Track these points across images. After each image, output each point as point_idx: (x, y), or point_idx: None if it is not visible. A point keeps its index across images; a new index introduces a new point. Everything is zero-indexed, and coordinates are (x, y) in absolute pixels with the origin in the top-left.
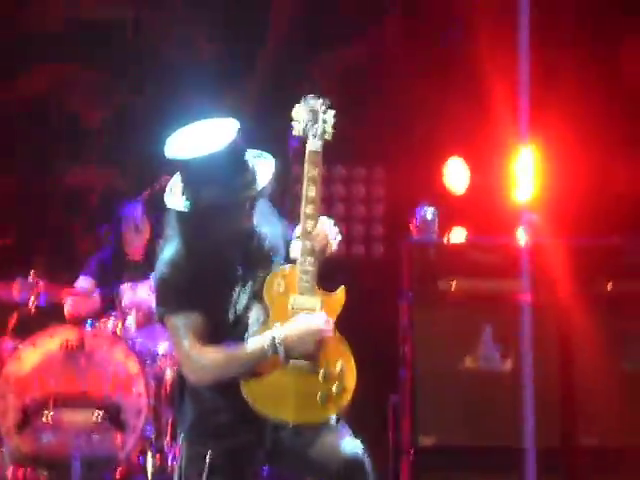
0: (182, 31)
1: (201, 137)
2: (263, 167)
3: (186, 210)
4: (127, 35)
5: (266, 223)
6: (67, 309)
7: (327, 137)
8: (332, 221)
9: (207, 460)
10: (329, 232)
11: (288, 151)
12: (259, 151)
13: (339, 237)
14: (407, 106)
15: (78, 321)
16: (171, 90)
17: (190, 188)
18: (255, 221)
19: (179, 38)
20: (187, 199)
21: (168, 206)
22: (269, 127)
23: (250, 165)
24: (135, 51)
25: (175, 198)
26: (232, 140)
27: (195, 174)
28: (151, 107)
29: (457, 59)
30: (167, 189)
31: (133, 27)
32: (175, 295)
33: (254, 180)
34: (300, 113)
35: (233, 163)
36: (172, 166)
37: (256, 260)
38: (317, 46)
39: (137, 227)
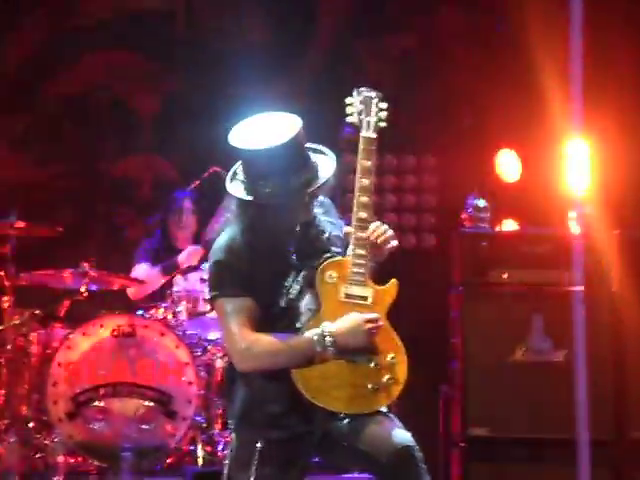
0: (232, 20)
1: (265, 130)
2: (324, 163)
3: (246, 198)
4: (178, 24)
5: (326, 217)
6: (130, 293)
7: (380, 128)
8: (386, 226)
9: (257, 450)
10: (384, 236)
11: (339, 140)
12: (321, 147)
13: (395, 242)
14: (458, 95)
15: (127, 307)
16: (221, 80)
17: (251, 179)
18: (314, 213)
19: (229, 27)
20: (247, 188)
21: (229, 192)
22: (320, 116)
23: (311, 162)
24: (186, 40)
25: (237, 185)
26: (294, 136)
27: (256, 167)
28: (201, 97)
29: (509, 48)
30: (230, 174)
31: (184, 16)
32: (228, 279)
33: (315, 177)
34: (354, 103)
35: (294, 159)
36: (234, 154)
37: (312, 250)
38: (368, 33)
39: (185, 217)
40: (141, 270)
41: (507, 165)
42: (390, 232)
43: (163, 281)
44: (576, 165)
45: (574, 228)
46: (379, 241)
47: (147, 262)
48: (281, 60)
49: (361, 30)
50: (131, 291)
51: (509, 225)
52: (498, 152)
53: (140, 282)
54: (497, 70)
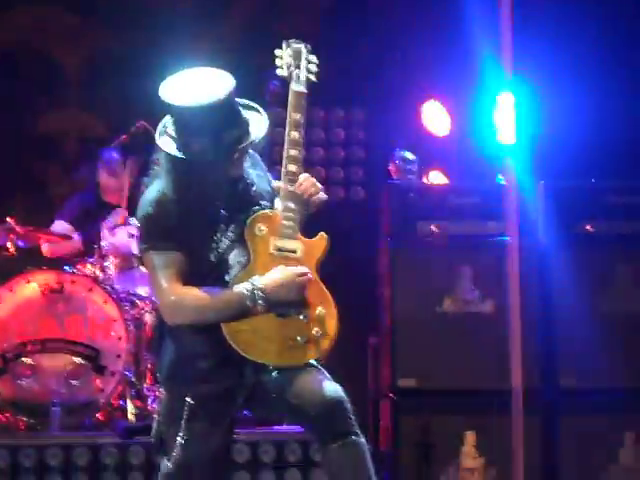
0: None
1: (197, 86)
2: (256, 120)
3: (176, 154)
4: None
5: (254, 172)
6: (45, 250)
7: (311, 81)
8: (314, 179)
9: (187, 404)
10: (313, 189)
11: (265, 93)
12: (253, 103)
13: (322, 195)
14: (387, 47)
15: (55, 262)
16: (149, 34)
17: (181, 135)
18: (245, 168)
19: None
20: (178, 143)
21: (159, 146)
22: (246, 69)
23: (243, 118)
24: None
25: (166, 139)
26: (227, 94)
27: (187, 123)
28: (128, 51)
29: None
30: (159, 128)
31: None
32: (158, 232)
33: (246, 134)
34: (284, 56)
35: (225, 117)
36: (165, 109)
37: (241, 204)
38: None
39: (114, 171)
40: (58, 227)
41: (434, 117)
42: (318, 185)
43: (80, 244)
44: (504, 116)
45: (502, 180)
46: (306, 194)
47: (66, 220)
48: (207, 14)
49: None
50: (46, 248)
51: (437, 177)
52: (425, 104)
53: (67, 237)
54: (425, 21)
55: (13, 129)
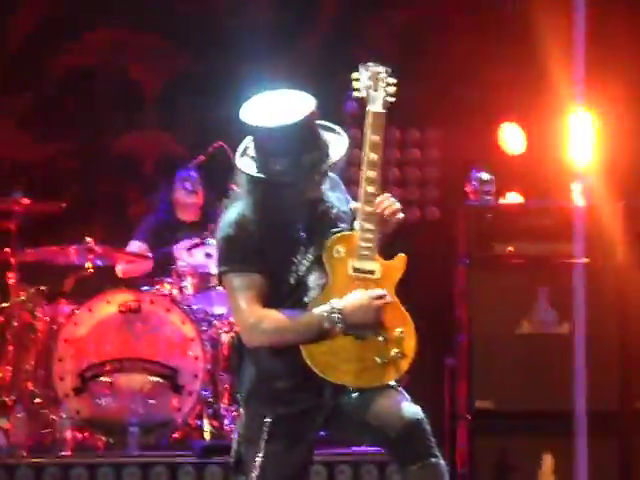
0: None
1: (278, 107)
2: (336, 143)
3: (256, 175)
4: (181, 1)
5: (334, 195)
6: (118, 271)
7: (389, 103)
8: (393, 199)
9: (266, 425)
10: (392, 208)
11: (343, 115)
12: (334, 125)
13: (401, 215)
14: (462, 68)
15: (132, 283)
16: (227, 55)
17: (262, 156)
18: (324, 190)
19: (233, 4)
20: (258, 165)
21: (239, 167)
22: (323, 91)
23: (323, 141)
24: (190, 17)
25: (247, 160)
26: (308, 115)
27: (267, 144)
28: (205, 73)
29: (513, 21)
30: (240, 150)
31: None
32: (238, 254)
33: (325, 157)
34: (361, 79)
35: (306, 139)
36: (246, 130)
37: (320, 226)
38: (371, 7)
39: (190, 191)
40: (133, 248)
41: (510, 138)
42: (397, 204)
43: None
44: (579, 137)
45: (578, 200)
46: (386, 213)
47: (141, 241)
48: (284, 37)
49: (363, 4)
50: (119, 269)
51: (513, 198)
52: (501, 125)
53: (145, 257)
54: (500, 42)
55: (92, 149)
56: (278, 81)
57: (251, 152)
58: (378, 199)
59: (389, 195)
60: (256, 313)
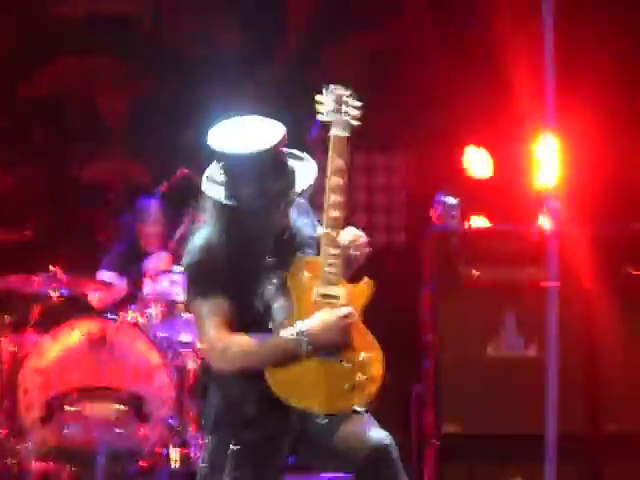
0: (200, 25)
1: (247, 134)
2: (304, 170)
3: (223, 201)
4: (146, 28)
5: (300, 220)
6: (94, 301)
7: (353, 126)
8: (359, 233)
9: (232, 452)
10: (357, 243)
11: (307, 141)
12: (301, 153)
13: (366, 250)
14: (426, 93)
15: (106, 311)
16: (190, 84)
17: (229, 182)
18: (291, 216)
19: (197, 32)
20: (225, 191)
21: (206, 192)
22: (287, 118)
23: (290, 168)
24: (154, 44)
25: (214, 185)
26: (276, 143)
27: (236, 170)
28: (171, 100)
29: (478, 44)
30: (205, 175)
31: (151, 20)
32: (205, 280)
33: (292, 184)
34: (325, 101)
35: (274, 167)
36: (213, 156)
37: (286, 252)
38: (335, 33)
39: (151, 219)
40: (104, 277)
41: (476, 162)
42: (362, 239)
43: (125, 290)
44: (546, 161)
45: (545, 224)
46: (352, 250)
47: (110, 270)
48: (249, 64)
49: (328, 31)
50: (94, 298)
51: (479, 222)
52: (466, 148)
53: (109, 285)
54: (466, 66)
55: (58, 176)
56: (244, 108)
57: (218, 177)
58: (345, 232)
59: (353, 230)
60: (224, 338)
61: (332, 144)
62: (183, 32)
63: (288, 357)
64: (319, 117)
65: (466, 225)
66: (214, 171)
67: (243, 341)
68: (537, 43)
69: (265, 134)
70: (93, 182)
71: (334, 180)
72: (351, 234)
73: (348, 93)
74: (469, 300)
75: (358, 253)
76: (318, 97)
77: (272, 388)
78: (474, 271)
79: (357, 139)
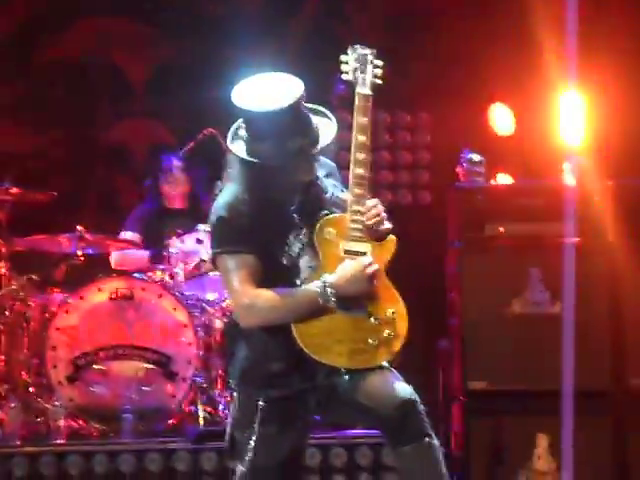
0: None
1: (267, 91)
2: (325, 127)
3: (245, 157)
4: None
5: (328, 180)
6: (114, 262)
7: (377, 84)
8: (380, 208)
9: (259, 408)
10: (377, 218)
11: (331, 98)
12: (324, 109)
13: (388, 224)
14: (451, 51)
15: (123, 270)
16: (213, 43)
17: (250, 138)
18: (316, 175)
19: None
20: (247, 147)
21: (231, 149)
22: (311, 74)
23: (311, 125)
24: (176, 5)
25: (238, 142)
26: (294, 102)
27: (255, 127)
28: (193, 60)
29: (501, 3)
30: (231, 132)
31: None
32: (231, 236)
33: (314, 141)
34: (349, 61)
35: (292, 124)
36: (235, 112)
37: (313, 209)
38: None
39: (174, 178)
40: (127, 237)
41: (500, 119)
42: (383, 214)
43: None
44: (569, 117)
45: (569, 180)
46: (372, 223)
47: (133, 231)
48: (270, 22)
49: None
50: (116, 260)
51: (504, 179)
52: (491, 106)
53: (135, 244)
54: (489, 23)
55: (81, 139)
56: (265, 66)
57: (242, 134)
58: (366, 206)
59: (377, 202)
60: (250, 292)
61: (356, 103)
62: None
63: (314, 309)
64: (344, 76)
65: (491, 182)
66: (239, 127)
67: (269, 294)
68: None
69: (284, 91)
70: (116, 143)
71: (359, 138)
72: (372, 206)
73: (372, 52)
74: (494, 257)
75: (379, 228)
76: (343, 57)
77: (299, 342)
78: (499, 228)
79: (381, 98)
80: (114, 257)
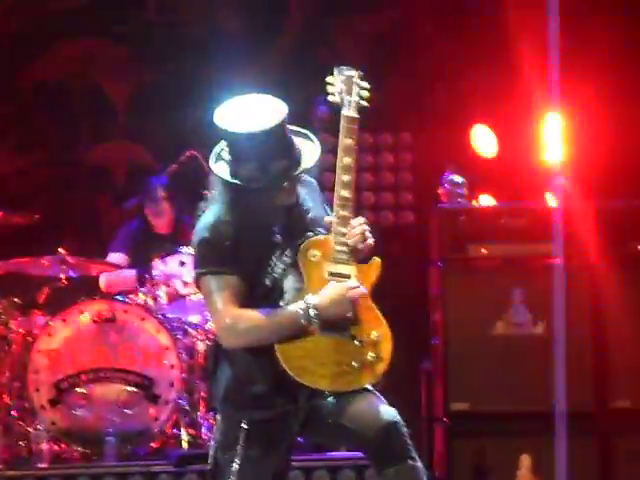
0: (202, 6)
1: (250, 113)
2: (308, 149)
3: (227, 179)
4: (149, 10)
5: (310, 199)
6: (102, 285)
7: (362, 106)
8: (364, 226)
9: (242, 430)
10: (360, 236)
11: (313, 119)
12: (306, 131)
13: (371, 241)
14: (433, 72)
15: (110, 295)
16: (194, 64)
17: (233, 160)
18: (298, 196)
19: (200, 13)
20: (230, 168)
21: (213, 170)
22: (292, 95)
23: (294, 148)
24: (157, 26)
25: (221, 163)
26: (277, 124)
27: (236, 149)
28: (174, 82)
29: (484, 24)
30: (214, 153)
31: (155, 2)
32: (214, 256)
33: (296, 162)
34: (335, 83)
35: (274, 146)
36: (218, 133)
37: (296, 230)
38: (341, 13)
39: (158, 209)
40: (114, 259)
41: (482, 140)
42: (367, 233)
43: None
44: (552, 138)
45: (551, 201)
46: (353, 242)
47: (120, 252)
48: (252, 43)
49: (331, 11)
50: (104, 283)
51: (486, 200)
52: (473, 127)
53: (117, 266)
54: (472, 44)
55: (63, 160)
56: (247, 87)
57: (224, 155)
58: (350, 226)
59: (362, 220)
60: (232, 313)
61: (342, 124)
62: (187, 10)
63: (297, 330)
64: (329, 98)
65: (473, 203)
66: (222, 149)
67: (252, 315)
68: (542, 22)
69: (267, 113)
70: (98, 164)
71: (344, 160)
72: (357, 229)
73: (357, 74)
74: (476, 278)
75: (362, 247)
76: (328, 78)
77: (282, 364)
78: (481, 249)
79: (364, 118)
80: (102, 279)
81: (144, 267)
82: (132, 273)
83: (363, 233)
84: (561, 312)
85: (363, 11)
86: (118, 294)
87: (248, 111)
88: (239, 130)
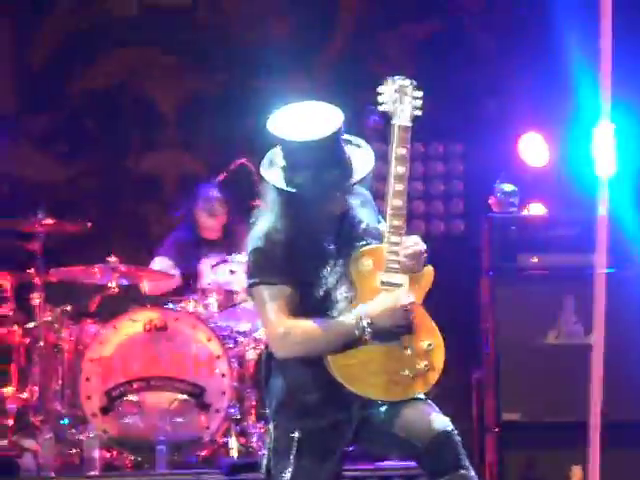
0: (253, 13)
1: (305, 121)
2: (361, 159)
3: (280, 186)
4: (199, 19)
5: (362, 209)
6: (145, 289)
7: (416, 116)
8: (418, 245)
9: (295, 440)
10: (414, 253)
11: (364, 128)
12: (359, 140)
13: (425, 257)
14: (484, 81)
15: (157, 300)
16: (244, 74)
17: (286, 168)
18: (350, 205)
19: (250, 20)
20: (283, 176)
21: (266, 178)
22: (342, 105)
23: (347, 158)
24: (207, 35)
25: (274, 171)
26: (332, 132)
27: (291, 156)
28: (224, 91)
29: (536, 31)
30: (266, 160)
31: (206, 11)
32: (267, 266)
33: (349, 172)
34: (387, 92)
35: (328, 155)
36: (272, 140)
37: (349, 240)
38: (389, 23)
39: (212, 209)
40: (159, 264)
41: (533, 149)
42: (423, 252)
43: (179, 281)
44: (603, 147)
45: (601, 210)
46: (407, 262)
47: (166, 256)
48: (302, 53)
49: (380, 21)
50: (146, 286)
51: (537, 209)
52: (523, 136)
53: (167, 275)
54: (522, 53)
55: (112, 169)
56: (297, 96)
57: (278, 163)
58: (406, 244)
59: (418, 239)
60: (285, 323)
61: (395, 134)
62: (237, 19)
63: (349, 341)
64: (380, 107)
65: (524, 213)
66: (275, 156)
67: (305, 325)
68: (594, 28)
69: (323, 121)
70: (147, 173)
71: (398, 169)
72: (412, 248)
73: (409, 83)
74: (527, 287)
75: (415, 263)
76: (380, 88)
77: (334, 374)
78: (532, 258)
79: (415, 128)
80: (144, 285)
81: (193, 273)
82: (177, 274)
83: (417, 254)
84: (601, 322)
85: (412, 20)
86: (164, 296)
87: (304, 119)
88: (295, 138)
